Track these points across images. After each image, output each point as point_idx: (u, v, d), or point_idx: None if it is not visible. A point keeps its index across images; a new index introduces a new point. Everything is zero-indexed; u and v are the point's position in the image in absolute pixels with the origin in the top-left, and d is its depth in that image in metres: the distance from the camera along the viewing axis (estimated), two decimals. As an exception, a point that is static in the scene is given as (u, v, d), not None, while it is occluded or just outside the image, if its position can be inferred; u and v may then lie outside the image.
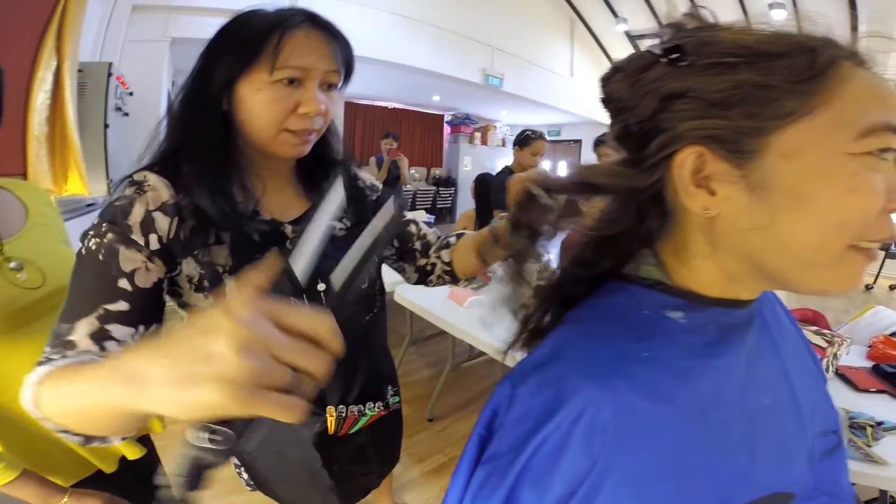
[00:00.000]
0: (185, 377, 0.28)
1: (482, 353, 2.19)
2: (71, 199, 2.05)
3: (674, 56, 0.36)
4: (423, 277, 0.91)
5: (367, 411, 0.82)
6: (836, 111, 0.33)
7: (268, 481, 0.88)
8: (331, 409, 0.80)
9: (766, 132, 0.34)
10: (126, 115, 2.99)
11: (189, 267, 0.64)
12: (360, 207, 0.81)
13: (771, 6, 5.54)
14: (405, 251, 0.90)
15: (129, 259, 0.58)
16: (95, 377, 0.37)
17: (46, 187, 1.86)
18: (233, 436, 0.32)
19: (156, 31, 3.75)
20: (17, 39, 1.81)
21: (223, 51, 0.63)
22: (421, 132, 9.21)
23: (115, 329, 0.56)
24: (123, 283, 0.57)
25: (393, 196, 0.52)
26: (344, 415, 0.81)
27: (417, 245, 0.90)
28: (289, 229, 0.71)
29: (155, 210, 0.61)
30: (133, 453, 0.90)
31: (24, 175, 1.74)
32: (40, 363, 0.51)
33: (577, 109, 7.76)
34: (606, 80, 0.42)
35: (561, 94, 7.58)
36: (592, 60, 8.16)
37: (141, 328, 0.59)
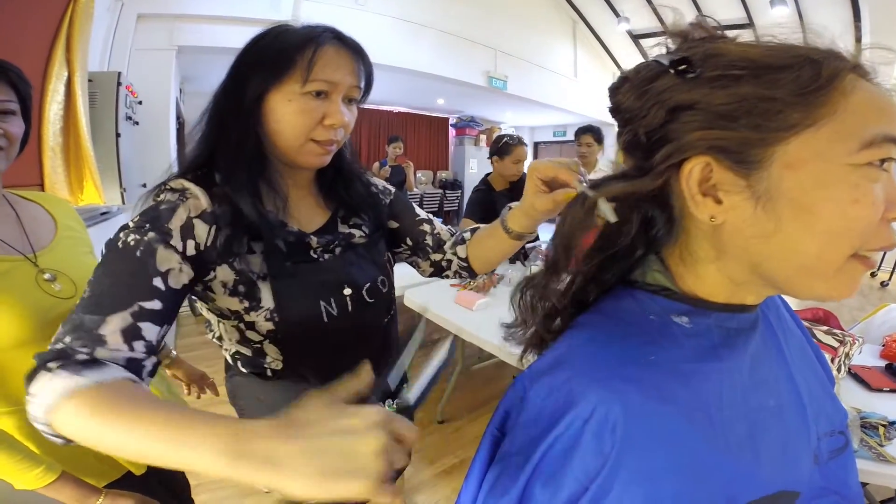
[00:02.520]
0: (332, 470, 0.34)
1: (491, 356, 2.19)
2: (86, 208, 2.08)
3: (682, 68, 0.37)
4: (439, 271, 0.94)
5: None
6: (839, 123, 0.34)
7: None
8: None
9: (770, 143, 0.35)
10: (136, 123, 3.02)
11: (223, 273, 0.67)
12: (377, 214, 0.85)
13: (772, 3, 5.50)
14: (418, 248, 0.93)
15: (165, 259, 0.59)
16: (180, 430, 0.40)
17: (63, 198, 1.90)
18: None
19: (161, 39, 3.76)
20: (27, 51, 1.83)
21: (257, 63, 0.66)
22: (426, 135, 9.23)
23: (147, 328, 0.55)
24: (158, 283, 0.58)
25: (422, 323, 0.57)
26: None
27: (429, 241, 0.92)
28: (314, 241, 0.74)
29: (196, 217, 0.63)
30: None
31: (41, 186, 1.76)
32: (60, 357, 0.49)
33: (582, 109, 7.75)
34: (615, 91, 0.43)
35: (565, 95, 7.57)
36: (596, 60, 8.15)
37: (165, 328, 0.59)
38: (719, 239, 0.39)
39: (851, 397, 1.23)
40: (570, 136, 11.10)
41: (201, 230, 0.63)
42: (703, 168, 0.37)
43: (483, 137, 9.29)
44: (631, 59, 8.10)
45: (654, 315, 0.42)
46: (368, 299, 0.79)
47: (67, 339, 0.50)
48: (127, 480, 0.88)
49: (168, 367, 1.09)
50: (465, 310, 1.99)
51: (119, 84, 2.69)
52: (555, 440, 0.36)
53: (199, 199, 0.64)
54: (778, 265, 0.37)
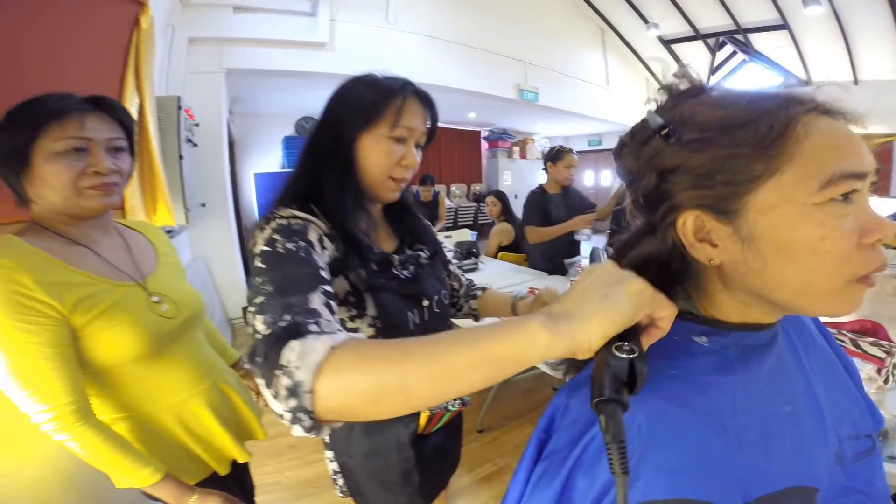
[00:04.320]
0: (606, 296, 0.39)
1: (531, 368, 2.23)
2: (156, 228, 2.23)
3: (664, 133, 0.43)
4: (454, 309, 1.13)
5: (450, 407, 0.92)
6: (799, 167, 0.38)
7: (364, 486, 0.98)
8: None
9: (742, 194, 0.40)
10: (195, 145, 3.18)
11: (339, 284, 0.77)
12: (434, 241, 0.99)
13: (805, 2, 5.33)
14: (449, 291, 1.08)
15: (319, 258, 0.68)
16: (495, 330, 0.40)
17: (141, 220, 2.04)
18: (637, 347, 0.38)
19: (212, 62, 3.89)
20: (103, 81, 1.92)
21: (353, 109, 0.77)
22: (459, 149, 9.29)
23: (332, 303, 0.61)
24: (324, 273, 0.65)
25: None
26: (434, 411, 0.91)
27: (455, 285, 1.13)
28: (395, 259, 0.85)
29: (324, 235, 0.74)
30: (243, 457, 1.02)
31: (122, 209, 1.90)
32: (301, 328, 0.49)
33: (616, 117, 7.65)
34: (617, 155, 0.50)
35: (598, 104, 7.50)
36: (627, 68, 8.05)
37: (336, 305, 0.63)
38: (722, 275, 0.45)
39: (901, 409, 1.22)
40: (606, 145, 10.90)
41: (329, 245, 0.74)
42: (695, 220, 0.42)
43: (516, 149, 9.28)
44: (664, 64, 7.96)
45: (677, 336, 0.47)
46: (436, 310, 0.91)
47: (288, 317, 0.52)
48: (212, 480, 0.97)
49: (242, 376, 1.20)
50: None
51: (179, 108, 2.83)
52: (592, 438, 0.42)
53: (321, 224, 0.74)
54: (776, 293, 0.42)
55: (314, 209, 0.77)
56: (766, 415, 0.44)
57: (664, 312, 0.40)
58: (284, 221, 0.71)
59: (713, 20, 6.58)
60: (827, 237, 0.38)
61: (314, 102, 5.81)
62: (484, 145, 9.62)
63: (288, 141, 6.37)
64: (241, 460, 1.03)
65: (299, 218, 0.73)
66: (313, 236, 0.71)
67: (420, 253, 0.92)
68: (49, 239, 0.81)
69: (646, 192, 0.46)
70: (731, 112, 0.41)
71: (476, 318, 1.13)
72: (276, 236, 0.67)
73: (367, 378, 0.41)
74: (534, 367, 2.15)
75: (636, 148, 0.47)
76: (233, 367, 1.17)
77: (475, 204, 8.84)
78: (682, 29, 6.95)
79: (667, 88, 0.47)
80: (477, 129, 9.38)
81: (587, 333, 0.38)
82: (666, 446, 0.40)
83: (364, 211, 0.81)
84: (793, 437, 0.45)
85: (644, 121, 0.46)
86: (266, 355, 0.46)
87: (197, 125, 3.39)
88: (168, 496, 0.84)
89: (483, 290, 1.13)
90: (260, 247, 0.67)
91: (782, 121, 0.39)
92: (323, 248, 0.72)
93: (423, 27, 5.22)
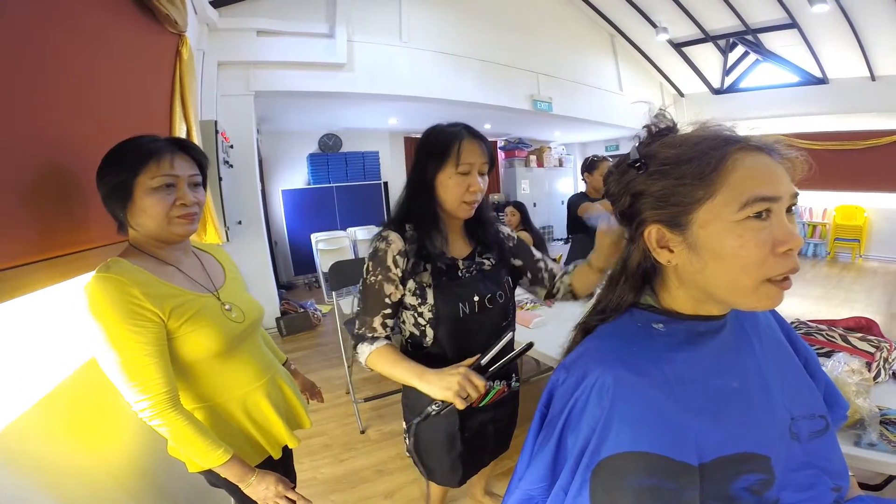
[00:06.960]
0: (443, 381, 0.97)
1: (550, 368, 2.31)
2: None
3: (637, 165, 0.57)
4: (550, 296, 1.31)
5: (494, 386, 1.08)
6: (728, 192, 0.49)
7: (421, 444, 1.21)
8: None
9: (688, 212, 0.52)
10: (231, 166, 3.39)
11: (410, 283, 1.07)
12: (501, 250, 1.23)
13: (811, 1, 5.34)
14: (536, 281, 1.28)
15: (388, 289, 1.11)
16: (406, 367, 1.04)
17: (207, 242, 2.14)
18: (446, 407, 0.99)
19: (241, 85, 4.03)
20: (154, 111, 2.01)
21: (429, 155, 1.05)
22: (476, 159, 9.35)
23: (388, 321, 1.13)
24: (388, 300, 1.11)
25: (509, 334, 1.03)
26: None
27: (545, 276, 1.27)
28: (461, 264, 1.14)
29: (397, 255, 1.05)
30: (293, 442, 1.19)
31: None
32: (365, 337, 1.12)
33: (632, 122, 7.58)
34: (606, 180, 0.64)
35: (613, 110, 7.49)
36: (640, 73, 8.01)
37: (393, 320, 1.14)
38: (678, 274, 0.57)
39: (892, 400, 1.26)
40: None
41: (401, 262, 1.10)
42: (657, 231, 0.56)
43: (533, 158, 9.29)
44: (676, 67, 7.89)
45: (640, 323, 0.60)
46: (488, 305, 1.15)
47: (363, 330, 1.12)
48: (266, 464, 1.12)
49: (291, 373, 1.37)
50: (523, 328, 2.13)
51: (216, 131, 3.01)
52: (576, 401, 0.54)
53: (397, 243, 1.10)
54: (713, 289, 0.53)
55: (406, 227, 1.12)
56: (714, 387, 0.54)
57: (458, 405, 0.94)
58: (377, 245, 1.11)
59: (721, 22, 6.55)
60: (744, 246, 0.48)
61: (336, 120, 6.06)
62: (501, 155, 9.65)
63: (312, 158, 6.59)
64: (291, 445, 1.19)
65: (385, 239, 1.10)
66: (389, 260, 1.09)
67: (485, 261, 1.18)
68: (145, 259, 0.98)
69: (622, 210, 0.60)
70: (682, 151, 0.53)
71: (575, 296, 1.23)
72: (370, 264, 1.11)
73: (377, 366, 1.08)
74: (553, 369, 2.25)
75: (618, 175, 0.61)
76: (283, 365, 1.34)
77: (493, 214, 8.82)
78: (691, 32, 6.91)
79: (646, 127, 0.61)
80: (493, 139, 9.43)
81: (430, 394, 0.98)
82: (628, 402, 0.51)
83: (438, 231, 1.12)
84: (740, 408, 0.54)
85: (627, 154, 0.60)
86: (354, 345, 1.14)
87: (231, 147, 3.58)
88: (233, 474, 0.98)
89: (576, 264, 1.21)
90: (364, 266, 1.12)
91: (717, 158, 0.50)
92: (397, 265, 1.10)
93: (435, 44, 5.30)
